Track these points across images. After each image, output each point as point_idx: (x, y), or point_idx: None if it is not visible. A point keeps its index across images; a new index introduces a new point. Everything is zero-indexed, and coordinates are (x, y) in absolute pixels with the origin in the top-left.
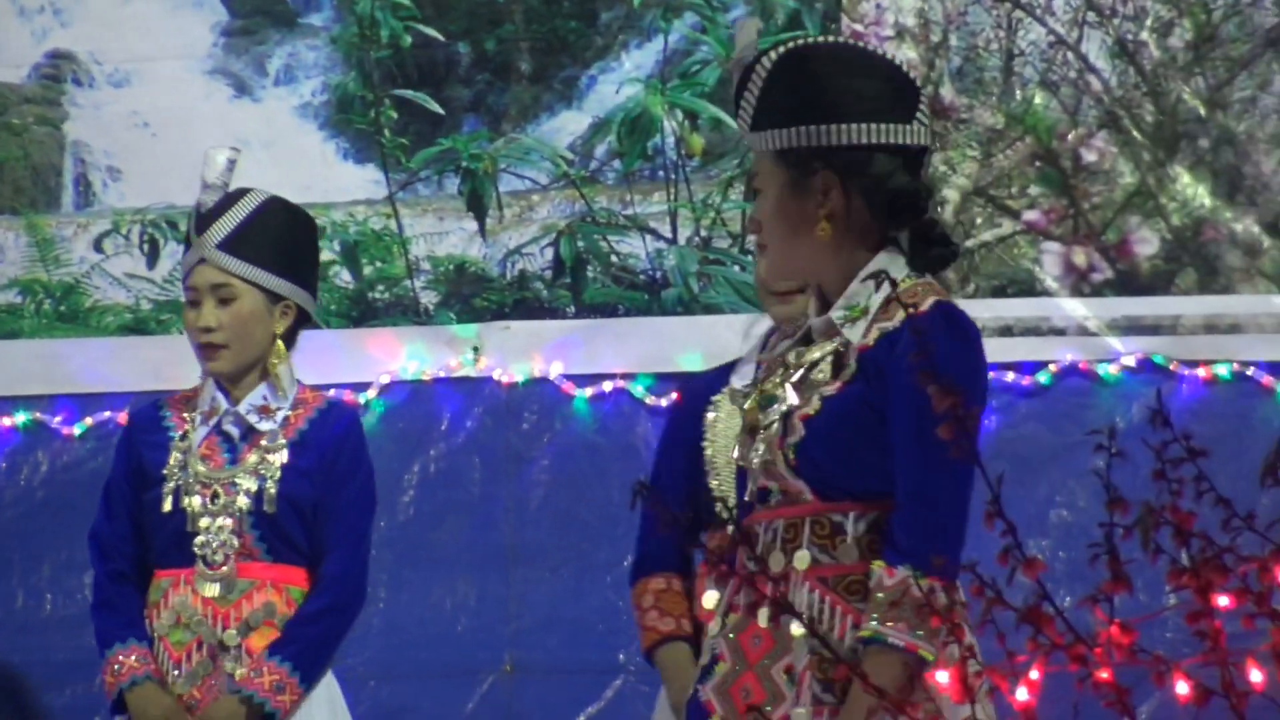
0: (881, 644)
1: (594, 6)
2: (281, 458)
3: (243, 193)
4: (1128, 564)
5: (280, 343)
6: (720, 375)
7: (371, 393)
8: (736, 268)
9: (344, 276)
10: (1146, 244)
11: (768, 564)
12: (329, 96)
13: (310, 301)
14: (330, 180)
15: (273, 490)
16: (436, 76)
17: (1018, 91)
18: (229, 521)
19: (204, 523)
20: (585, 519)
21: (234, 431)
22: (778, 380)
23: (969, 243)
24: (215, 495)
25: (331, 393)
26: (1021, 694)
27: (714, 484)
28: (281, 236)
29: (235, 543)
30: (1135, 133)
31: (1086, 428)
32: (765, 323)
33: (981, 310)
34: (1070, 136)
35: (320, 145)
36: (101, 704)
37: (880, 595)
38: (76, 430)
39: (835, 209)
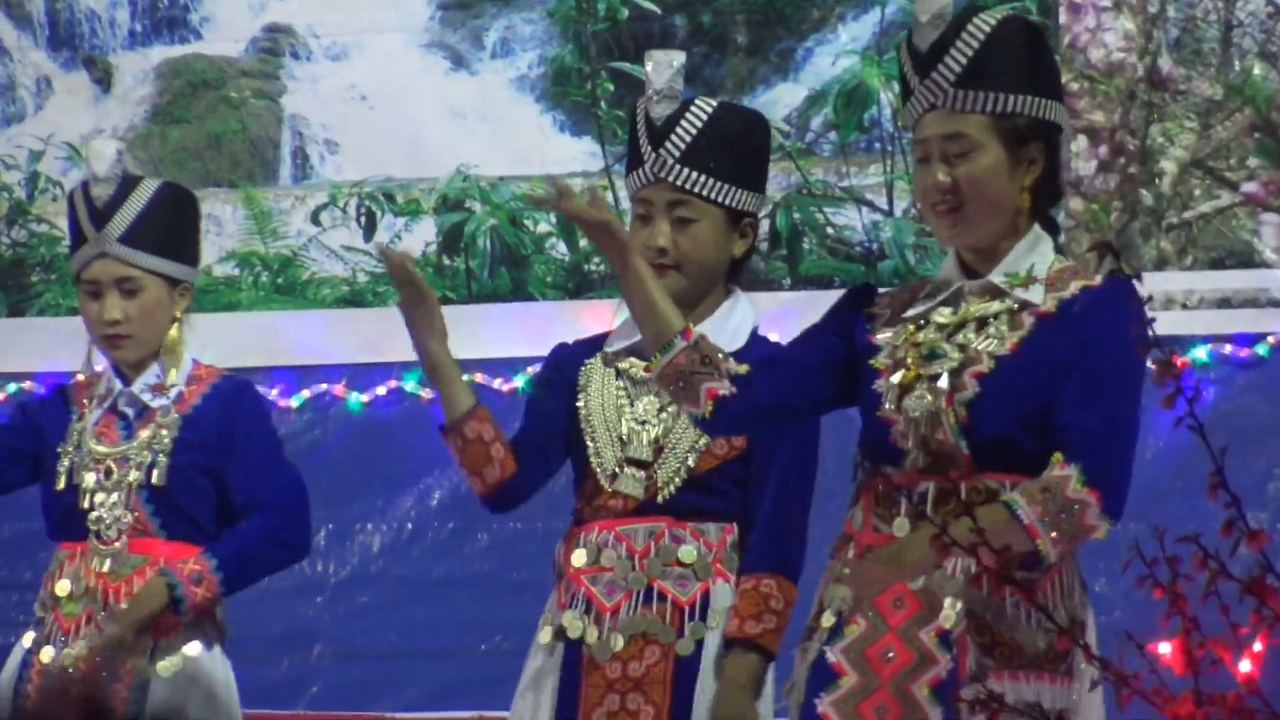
0: (1010, 509)
1: None
2: (174, 432)
3: (135, 182)
4: None
5: (178, 324)
6: (592, 345)
7: None
8: None
9: (560, 249)
10: None
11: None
12: (545, 69)
13: (196, 274)
14: (546, 152)
15: (164, 462)
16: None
17: (1236, 62)
18: (120, 496)
19: (98, 498)
20: None
21: (129, 411)
22: (934, 337)
23: (1187, 214)
24: (109, 471)
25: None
26: (1245, 666)
27: (590, 445)
28: (177, 223)
29: (129, 518)
30: None
31: None
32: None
33: (1199, 282)
34: None
35: (537, 118)
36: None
37: (1034, 483)
38: (294, 403)
39: (1036, 181)
